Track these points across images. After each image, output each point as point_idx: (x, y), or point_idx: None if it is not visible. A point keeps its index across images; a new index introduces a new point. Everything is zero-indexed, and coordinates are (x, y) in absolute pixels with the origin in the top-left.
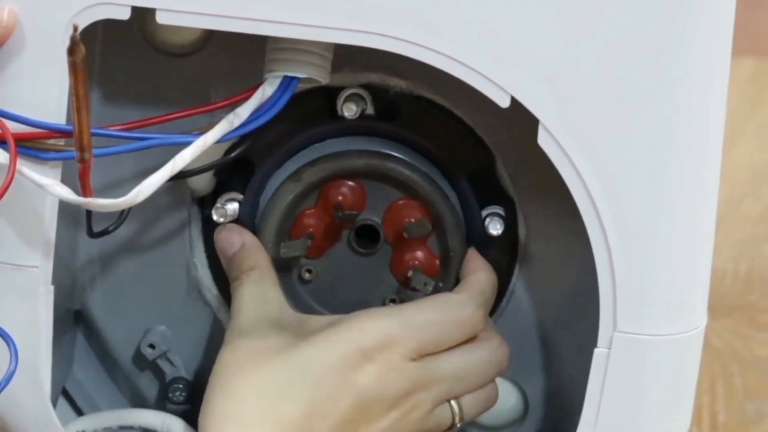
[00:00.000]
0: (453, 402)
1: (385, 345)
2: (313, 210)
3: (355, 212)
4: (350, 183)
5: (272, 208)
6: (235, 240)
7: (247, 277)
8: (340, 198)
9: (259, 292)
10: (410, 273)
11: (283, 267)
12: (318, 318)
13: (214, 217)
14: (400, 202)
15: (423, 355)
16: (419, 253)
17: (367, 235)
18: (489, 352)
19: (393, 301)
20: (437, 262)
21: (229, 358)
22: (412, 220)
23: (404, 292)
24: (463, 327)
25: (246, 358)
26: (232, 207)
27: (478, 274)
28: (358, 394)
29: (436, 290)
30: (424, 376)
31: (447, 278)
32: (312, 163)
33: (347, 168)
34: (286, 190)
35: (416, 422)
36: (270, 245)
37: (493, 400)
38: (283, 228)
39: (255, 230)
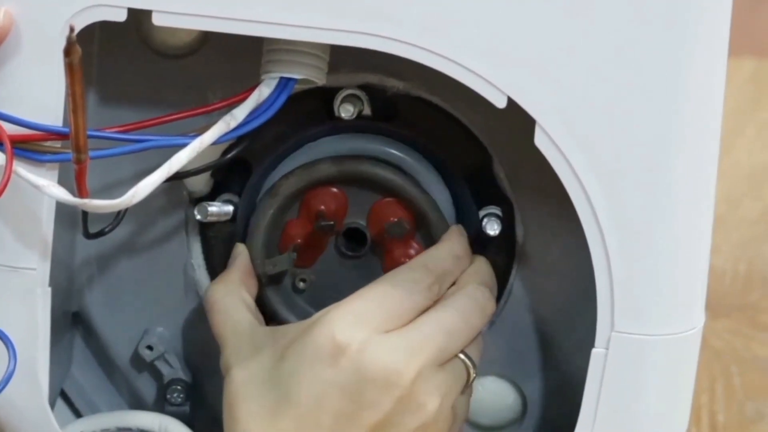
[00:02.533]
0: (461, 354)
1: (351, 328)
2: (297, 220)
3: (332, 222)
4: (331, 189)
5: (255, 226)
6: (233, 253)
7: (212, 298)
8: (322, 207)
9: (228, 318)
10: None
11: (276, 279)
12: (289, 327)
13: (197, 217)
14: (382, 201)
15: (396, 325)
16: (408, 250)
17: (355, 238)
18: (466, 297)
19: None
20: None
21: (227, 396)
22: (394, 219)
23: None
24: (419, 291)
25: (239, 391)
26: (226, 209)
27: (435, 245)
28: (343, 387)
29: None
30: (407, 343)
31: None
32: (286, 176)
33: (321, 177)
34: (265, 206)
35: (432, 390)
36: (258, 262)
37: (482, 345)
38: (270, 243)
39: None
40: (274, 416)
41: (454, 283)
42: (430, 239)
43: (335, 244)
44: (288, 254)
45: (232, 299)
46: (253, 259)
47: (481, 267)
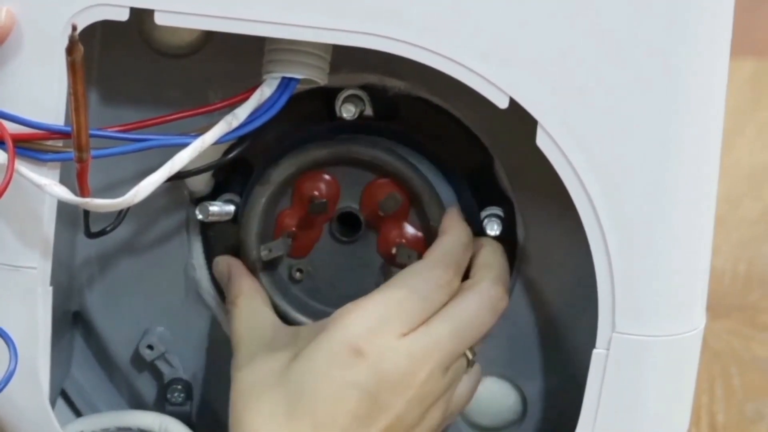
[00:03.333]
0: (467, 351)
1: (370, 331)
2: (290, 210)
3: (325, 200)
4: (322, 175)
5: (248, 217)
6: (223, 271)
7: (234, 307)
8: (315, 192)
9: (249, 320)
10: (394, 249)
11: (271, 268)
12: (308, 327)
13: (199, 216)
14: (374, 182)
15: (413, 328)
16: (402, 230)
17: (349, 223)
18: (479, 296)
19: None
20: (421, 234)
21: (235, 397)
22: (386, 195)
23: (393, 271)
24: (439, 288)
25: (249, 392)
26: (227, 209)
27: (444, 235)
28: (361, 390)
29: None
30: (422, 346)
31: None
32: (276, 163)
33: (312, 161)
34: (257, 195)
35: (438, 391)
36: (254, 251)
37: (488, 335)
38: (265, 233)
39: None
40: (289, 417)
41: (467, 273)
42: (423, 217)
43: (330, 230)
44: (283, 239)
45: (259, 296)
46: (248, 248)
47: (495, 259)
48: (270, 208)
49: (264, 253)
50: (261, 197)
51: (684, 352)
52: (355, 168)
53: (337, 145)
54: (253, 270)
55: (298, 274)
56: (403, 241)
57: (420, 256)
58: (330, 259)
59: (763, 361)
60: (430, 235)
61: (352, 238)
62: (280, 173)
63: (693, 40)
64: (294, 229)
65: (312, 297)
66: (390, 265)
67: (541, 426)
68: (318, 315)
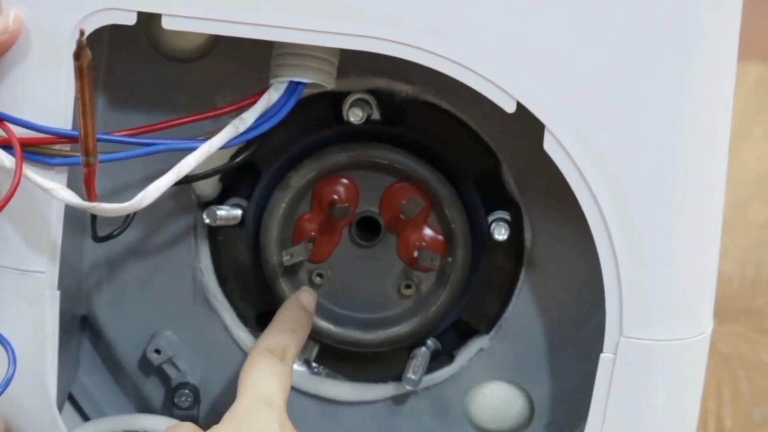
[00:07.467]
0: None
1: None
2: (309, 214)
3: (347, 204)
4: (340, 179)
5: (269, 221)
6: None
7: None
8: (334, 196)
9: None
10: (416, 253)
11: (292, 273)
12: None
13: (206, 221)
14: (393, 187)
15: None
16: (422, 233)
17: (368, 227)
18: None
19: (408, 287)
20: (441, 238)
21: None
22: (408, 198)
23: (414, 274)
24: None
25: None
26: (235, 213)
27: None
28: None
29: (442, 264)
30: None
31: (453, 252)
32: (296, 168)
33: (332, 165)
34: (278, 199)
35: None
36: (274, 257)
37: None
38: (284, 237)
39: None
40: None
41: None
42: (443, 220)
43: (349, 234)
44: (304, 244)
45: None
46: (268, 253)
47: None
48: (289, 213)
49: (286, 258)
50: (281, 202)
51: (691, 357)
52: (374, 171)
53: (356, 149)
54: (273, 275)
55: (318, 279)
56: (424, 243)
57: (442, 259)
58: (349, 263)
59: None
60: (449, 238)
61: (372, 242)
62: (300, 178)
63: (700, 45)
64: (314, 233)
65: (331, 301)
66: (411, 269)
67: (548, 430)
68: (338, 319)
